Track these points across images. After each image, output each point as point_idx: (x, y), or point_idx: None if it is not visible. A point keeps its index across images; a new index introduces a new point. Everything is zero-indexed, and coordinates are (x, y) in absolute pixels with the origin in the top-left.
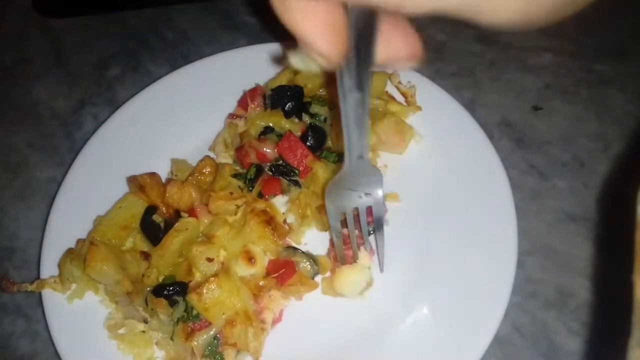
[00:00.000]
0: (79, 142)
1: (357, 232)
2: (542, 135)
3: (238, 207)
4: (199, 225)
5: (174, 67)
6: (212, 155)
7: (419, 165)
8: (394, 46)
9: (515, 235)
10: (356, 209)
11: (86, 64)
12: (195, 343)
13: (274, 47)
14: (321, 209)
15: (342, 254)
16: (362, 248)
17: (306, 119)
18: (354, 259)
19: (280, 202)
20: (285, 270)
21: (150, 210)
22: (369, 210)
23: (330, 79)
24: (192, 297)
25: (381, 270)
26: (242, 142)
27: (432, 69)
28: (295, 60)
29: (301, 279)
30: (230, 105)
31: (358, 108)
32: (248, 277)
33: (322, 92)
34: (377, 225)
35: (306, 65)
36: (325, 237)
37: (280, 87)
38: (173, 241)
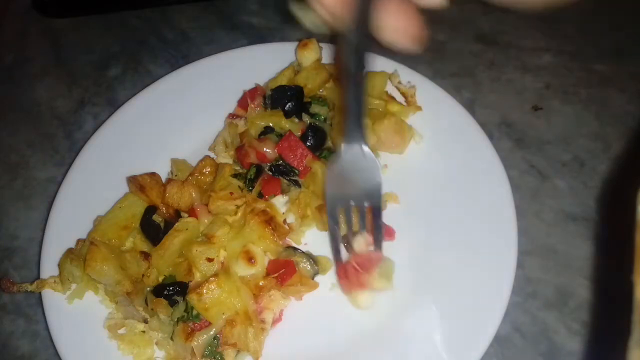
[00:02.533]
0: (79, 142)
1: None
2: (542, 135)
3: (238, 207)
4: (199, 225)
5: (174, 67)
6: (212, 155)
7: (419, 165)
8: (397, 25)
9: (515, 235)
10: (355, 206)
11: (86, 64)
12: (195, 343)
13: (274, 47)
14: (321, 208)
15: (337, 249)
16: (360, 237)
17: (306, 119)
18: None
19: (280, 202)
20: (285, 270)
21: (150, 210)
22: (369, 209)
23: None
24: (192, 297)
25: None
26: (242, 142)
27: (432, 69)
28: (301, 13)
29: (301, 279)
30: (230, 105)
31: (357, 86)
32: (248, 277)
33: (322, 92)
34: (375, 214)
35: (310, 20)
36: (325, 237)
37: (280, 87)
38: (173, 241)
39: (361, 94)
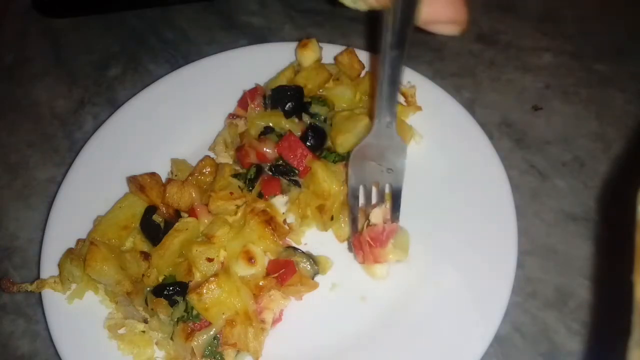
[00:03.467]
0: (79, 142)
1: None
2: (542, 135)
3: (238, 207)
4: (199, 225)
5: (174, 67)
6: (212, 155)
7: (419, 165)
8: (438, 8)
9: (515, 235)
10: (376, 183)
11: (86, 64)
12: (195, 343)
13: (274, 47)
14: (321, 208)
15: (355, 220)
16: (378, 210)
17: (306, 119)
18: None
19: (280, 202)
20: (285, 270)
21: (150, 210)
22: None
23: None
24: (192, 297)
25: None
26: (242, 142)
27: (432, 69)
28: None
29: (301, 279)
30: (230, 105)
31: (394, 68)
32: (248, 277)
33: (322, 92)
34: (395, 197)
35: (355, 2)
36: (325, 237)
37: (280, 87)
38: (173, 241)
39: (397, 74)
